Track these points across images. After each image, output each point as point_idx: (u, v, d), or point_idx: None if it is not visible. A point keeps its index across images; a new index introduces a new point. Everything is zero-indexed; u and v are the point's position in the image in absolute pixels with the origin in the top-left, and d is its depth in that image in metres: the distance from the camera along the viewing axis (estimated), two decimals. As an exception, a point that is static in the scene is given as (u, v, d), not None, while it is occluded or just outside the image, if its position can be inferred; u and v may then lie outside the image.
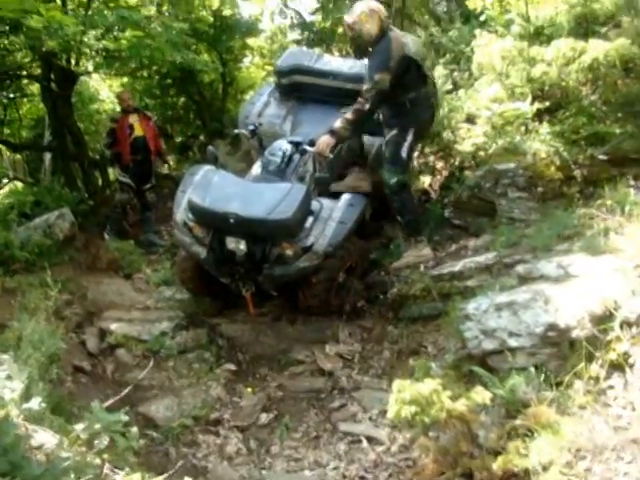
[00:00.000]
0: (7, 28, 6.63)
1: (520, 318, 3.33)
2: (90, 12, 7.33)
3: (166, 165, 8.33)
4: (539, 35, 5.90)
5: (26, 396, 2.87)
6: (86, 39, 6.89)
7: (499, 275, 4.12)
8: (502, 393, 2.96)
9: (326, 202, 4.78)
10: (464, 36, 7.51)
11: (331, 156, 4.98)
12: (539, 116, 5.44)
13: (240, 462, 3.57)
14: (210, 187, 4.65)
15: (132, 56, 7.69)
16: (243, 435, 3.86)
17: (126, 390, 3.66)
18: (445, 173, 6.05)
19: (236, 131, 5.74)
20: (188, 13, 8.68)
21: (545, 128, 5.23)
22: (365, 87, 4.83)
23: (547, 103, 5.45)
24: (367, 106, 4.82)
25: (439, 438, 3.06)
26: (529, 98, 5.42)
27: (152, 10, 8.72)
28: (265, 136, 5.52)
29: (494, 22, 6.55)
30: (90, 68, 9.21)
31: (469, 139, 5.63)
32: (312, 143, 4.94)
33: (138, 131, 7.58)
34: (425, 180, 6.24)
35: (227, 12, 10.07)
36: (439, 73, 6.62)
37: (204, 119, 11.37)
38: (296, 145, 5.04)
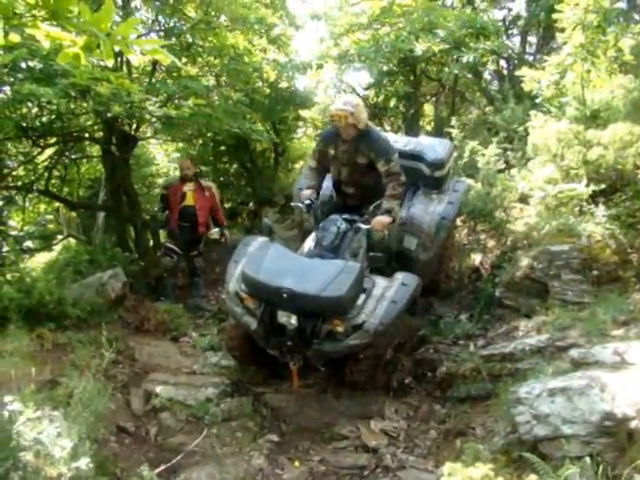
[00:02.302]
0: (76, 94, 6.94)
1: (575, 405, 3.25)
2: (153, 80, 7.68)
3: (223, 238, 8.21)
4: (595, 118, 5.92)
5: (74, 454, 2.91)
6: (149, 106, 7.18)
7: (552, 359, 4.05)
8: (554, 482, 2.87)
9: (379, 280, 4.78)
10: (517, 116, 7.61)
11: (387, 234, 5.06)
12: (594, 198, 5.41)
13: None
14: (264, 260, 4.66)
15: (191, 124, 7.98)
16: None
17: (177, 458, 3.63)
18: (496, 252, 6.04)
19: (293, 204, 5.74)
20: (245, 84, 8.96)
21: (601, 210, 5.19)
22: (391, 165, 5.00)
23: (603, 185, 5.42)
24: (403, 178, 5.03)
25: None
26: (584, 180, 5.41)
27: (211, 80, 9.04)
28: (321, 210, 5.55)
29: (549, 104, 6.61)
30: (149, 133, 9.56)
31: (522, 219, 5.64)
32: (366, 221, 5.01)
33: (189, 200, 7.75)
34: (476, 258, 6.23)
35: (283, 84, 10.39)
36: (491, 152, 6.69)
37: (254, 187, 11.62)
38: (350, 222, 5.06)
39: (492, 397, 4.16)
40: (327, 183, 5.80)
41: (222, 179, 11.95)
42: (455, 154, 6.39)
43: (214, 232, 8.22)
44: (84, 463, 2.67)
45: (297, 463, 4.21)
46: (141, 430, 4.53)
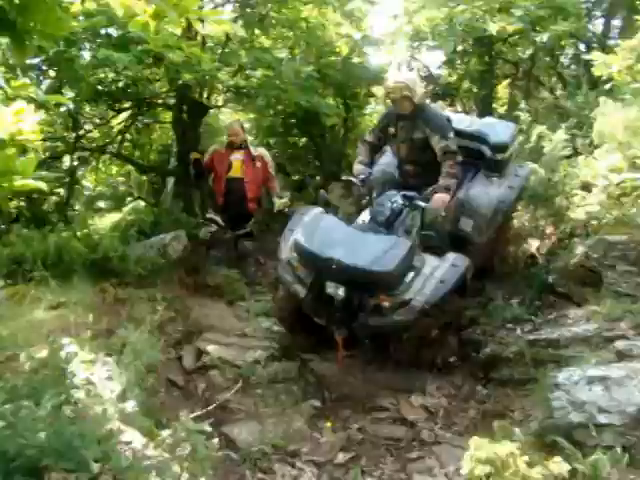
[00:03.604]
0: (151, 60, 7.16)
1: (612, 395, 3.27)
2: (226, 50, 7.81)
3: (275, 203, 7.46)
4: (667, 106, 5.73)
5: (122, 398, 3.11)
6: (220, 75, 7.33)
7: (597, 348, 4.02)
8: (584, 469, 2.89)
9: (430, 259, 4.77)
10: (590, 102, 7.42)
11: (444, 214, 5.06)
12: (659, 190, 5.28)
13: (313, 499, 3.64)
14: (317, 230, 4.78)
15: (261, 95, 8.07)
16: (318, 470, 3.91)
17: (214, 405, 3.80)
18: (554, 239, 5.95)
19: (344, 177, 5.78)
20: (318, 58, 9.00)
21: (664, 203, 5.06)
22: (447, 143, 5.07)
23: (669, 177, 5.27)
24: (459, 157, 5.08)
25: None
26: (650, 170, 5.28)
27: (284, 53, 9.11)
28: (376, 184, 5.60)
29: (620, 90, 6.43)
30: (220, 102, 9.75)
31: (583, 207, 5.54)
32: (426, 199, 5.00)
33: (235, 171, 7.05)
34: (533, 243, 6.16)
35: (356, 59, 10.37)
36: (559, 137, 6.57)
37: (322, 161, 11.68)
38: (409, 199, 5.07)
39: (533, 382, 4.17)
40: (390, 159, 5.86)
41: (290, 151, 12.08)
42: (520, 137, 6.27)
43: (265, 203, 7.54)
44: (130, 405, 2.85)
45: (336, 429, 4.34)
46: (190, 385, 4.74)
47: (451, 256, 4.79)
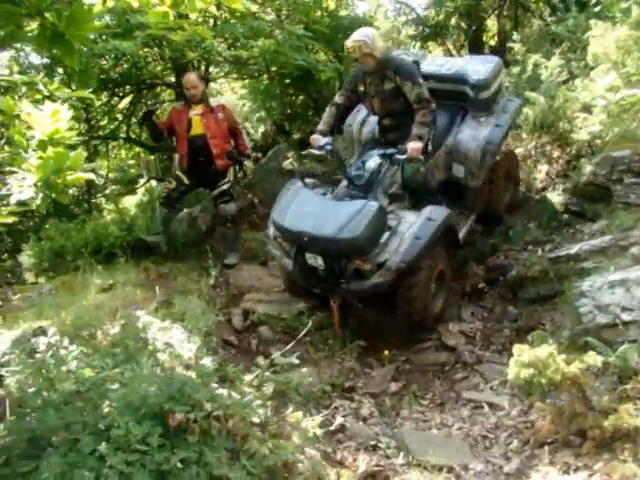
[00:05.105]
0: (152, 44, 7.37)
1: (632, 294, 3.62)
2: (219, 22, 7.98)
3: (241, 171, 6.74)
4: (655, 23, 5.94)
5: (198, 356, 3.48)
6: (219, 48, 7.53)
7: (614, 257, 4.34)
8: (614, 360, 3.25)
9: (407, 215, 4.77)
10: (580, 24, 7.58)
11: (423, 159, 4.93)
12: (656, 102, 5.51)
13: (373, 422, 4.03)
14: (291, 205, 4.83)
15: (259, 61, 8.16)
16: (375, 401, 4.32)
17: (299, 336, 4.09)
18: (561, 162, 6.23)
19: (305, 152, 5.54)
20: (305, 16, 9.11)
21: (662, 114, 5.32)
22: (420, 90, 4.89)
23: (664, 89, 5.51)
24: (434, 105, 4.90)
25: (556, 404, 3.40)
26: (646, 85, 5.51)
27: (272, 16, 9.24)
28: (357, 145, 5.65)
29: (609, 10, 6.62)
30: (216, 73, 9.92)
31: (585, 128, 5.80)
32: (402, 153, 4.81)
33: (197, 129, 6.16)
34: (542, 169, 6.44)
35: (343, 12, 10.48)
36: (554, 64, 6.77)
37: (321, 116, 11.86)
38: (388, 156, 4.93)
39: (559, 295, 4.52)
40: (364, 117, 5.86)
41: (289, 111, 12.26)
42: (504, 70, 6.11)
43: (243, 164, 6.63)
44: (208, 361, 3.21)
45: (385, 363, 4.72)
46: (243, 342, 5.10)
47: (427, 210, 4.74)
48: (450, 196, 5.41)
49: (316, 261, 4.70)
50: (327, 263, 4.66)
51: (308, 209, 4.73)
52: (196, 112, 6.18)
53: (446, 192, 5.46)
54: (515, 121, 6.06)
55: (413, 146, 4.73)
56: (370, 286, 4.61)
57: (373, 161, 4.96)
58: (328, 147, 5.08)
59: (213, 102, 6.48)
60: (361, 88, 5.23)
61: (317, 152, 5.16)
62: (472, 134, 5.51)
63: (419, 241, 4.53)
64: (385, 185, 4.95)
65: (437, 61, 6.14)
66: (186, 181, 6.28)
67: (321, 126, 5.31)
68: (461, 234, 5.31)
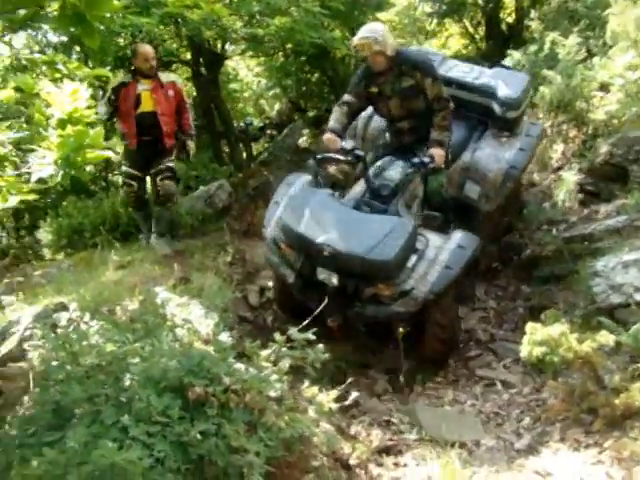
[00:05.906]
0: (169, 21, 7.38)
1: (646, 274, 3.63)
2: (235, 0, 7.98)
3: (184, 152, 6.14)
4: (677, 0, 5.88)
5: (216, 332, 3.54)
6: (235, 26, 7.53)
7: (628, 237, 4.36)
8: (627, 340, 3.29)
9: (434, 239, 4.20)
10: (599, 2, 7.49)
11: (445, 181, 4.65)
12: (675, 81, 5.48)
13: (387, 398, 4.12)
14: (306, 209, 4.19)
15: (274, 39, 8.17)
16: (389, 377, 4.38)
17: (315, 312, 3.57)
18: (578, 141, 6.20)
19: (319, 156, 4.64)
20: (321, -9, 9.06)
21: (681, 93, 5.28)
22: (440, 87, 4.53)
23: (683, 68, 5.47)
24: (452, 105, 4.57)
25: (567, 382, 3.45)
26: (664, 64, 5.47)
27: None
28: (372, 146, 5.28)
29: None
30: (231, 51, 9.91)
31: (602, 107, 5.77)
32: (429, 159, 4.34)
33: (146, 105, 5.65)
34: (558, 148, 6.42)
35: (358, -12, 10.39)
36: (572, 42, 6.70)
37: (337, 94, 11.85)
38: (417, 166, 4.39)
39: (573, 275, 4.54)
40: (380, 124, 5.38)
41: (305, 89, 12.26)
42: (533, 48, 6.15)
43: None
44: (225, 336, 3.28)
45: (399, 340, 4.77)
46: (259, 319, 5.17)
47: (457, 236, 4.20)
48: (455, 215, 4.91)
49: (329, 278, 4.04)
50: (341, 282, 4.05)
51: (329, 218, 4.14)
52: (145, 87, 5.67)
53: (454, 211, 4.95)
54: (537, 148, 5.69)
55: (439, 153, 4.36)
56: (390, 313, 4.07)
57: (396, 171, 4.51)
58: (357, 152, 4.55)
59: (164, 77, 5.91)
60: (374, 89, 4.70)
61: (341, 157, 4.55)
62: (494, 154, 5.12)
63: (450, 271, 4.00)
64: (407, 198, 4.52)
65: (462, 67, 5.74)
66: (137, 173, 5.82)
67: (335, 125, 4.61)
68: None
